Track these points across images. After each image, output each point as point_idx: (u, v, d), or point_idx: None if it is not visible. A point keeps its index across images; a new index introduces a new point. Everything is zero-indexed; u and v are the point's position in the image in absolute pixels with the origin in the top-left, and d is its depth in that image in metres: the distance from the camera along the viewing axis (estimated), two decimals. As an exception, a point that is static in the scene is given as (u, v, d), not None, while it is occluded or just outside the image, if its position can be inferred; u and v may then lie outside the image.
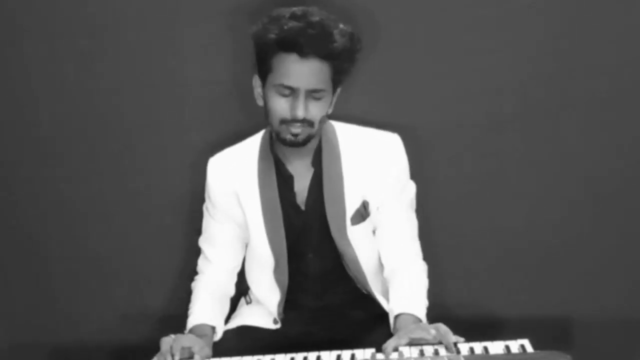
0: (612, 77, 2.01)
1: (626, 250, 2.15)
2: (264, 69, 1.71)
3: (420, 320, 1.70)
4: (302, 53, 1.64)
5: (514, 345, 1.55)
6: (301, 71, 1.65)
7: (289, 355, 1.63)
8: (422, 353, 1.56)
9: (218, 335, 1.82)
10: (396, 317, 1.71)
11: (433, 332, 1.55)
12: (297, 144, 1.73)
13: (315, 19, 1.64)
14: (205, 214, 1.94)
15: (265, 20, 1.68)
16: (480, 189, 2.11)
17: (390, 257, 1.84)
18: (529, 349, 1.54)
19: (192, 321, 1.81)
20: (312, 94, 1.68)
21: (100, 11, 1.99)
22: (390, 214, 1.84)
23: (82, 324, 2.24)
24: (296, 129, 1.70)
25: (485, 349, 1.55)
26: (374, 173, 1.81)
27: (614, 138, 2.07)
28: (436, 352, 1.55)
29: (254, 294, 1.96)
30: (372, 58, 1.98)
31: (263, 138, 1.87)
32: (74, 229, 2.17)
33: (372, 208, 1.83)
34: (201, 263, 1.95)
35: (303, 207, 1.84)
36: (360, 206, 1.82)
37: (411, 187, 1.89)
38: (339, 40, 1.65)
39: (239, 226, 1.89)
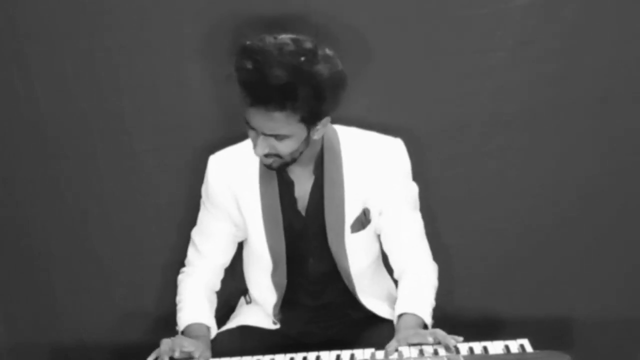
0: (613, 77, 2.01)
1: (626, 251, 2.15)
2: None
3: (422, 322, 1.70)
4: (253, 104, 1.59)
5: (514, 345, 1.55)
6: (257, 116, 1.60)
7: (289, 355, 1.63)
8: (421, 353, 1.56)
9: (212, 335, 1.82)
10: (399, 316, 1.72)
11: (431, 339, 1.56)
12: (273, 169, 1.74)
13: (272, 69, 1.52)
14: (202, 207, 1.92)
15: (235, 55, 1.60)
16: (480, 190, 2.11)
17: (399, 259, 1.85)
18: (529, 349, 1.54)
19: (186, 320, 1.80)
20: (274, 136, 1.63)
21: (100, 11, 1.99)
22: (395, 216, 1.83)
23: (82, 324, 2.24)
24: (266, 160, 1.69)
25: (485, 348, 1.55)
26: (376, 179, 1.80)
27: (615, 138, 2.07)
28: (435, 352, 1.55)
29: (251, 294, 1.96)
30: (373, 60, 1.98)
31: None
32: (74, 229, 2.17)
33: (373, 215, 1.83)
34: (191, 254, 1.93)
35: (304, 213, 1.83)
36: (361, 214, 1.81)
37: (413, 187, 1.88)
38: (302, 91, 1.54)
39: (235, 225, 1.88)
